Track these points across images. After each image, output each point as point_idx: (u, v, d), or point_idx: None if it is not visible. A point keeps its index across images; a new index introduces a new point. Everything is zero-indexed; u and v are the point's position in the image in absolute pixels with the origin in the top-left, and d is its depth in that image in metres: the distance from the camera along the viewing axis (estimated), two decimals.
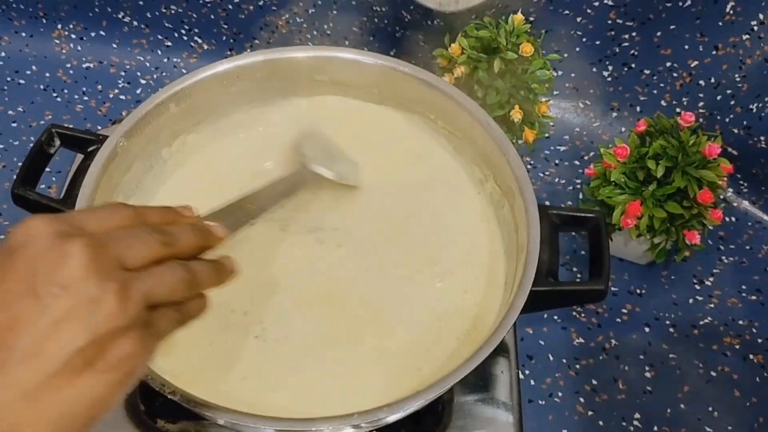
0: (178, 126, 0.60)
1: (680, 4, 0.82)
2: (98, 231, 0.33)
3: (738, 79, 0.82)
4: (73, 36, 0.98)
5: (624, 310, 0.78)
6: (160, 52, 0.98)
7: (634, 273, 0.80)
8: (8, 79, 0.96)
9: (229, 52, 0.97)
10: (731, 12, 0.80)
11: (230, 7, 0.93)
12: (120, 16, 0.96)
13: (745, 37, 0.80)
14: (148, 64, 0.98)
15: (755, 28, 0.79)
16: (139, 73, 0.97)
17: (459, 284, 0.55)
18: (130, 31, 0.97)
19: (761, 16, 0.78)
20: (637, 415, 0.70)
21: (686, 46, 0.84)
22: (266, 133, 0.64)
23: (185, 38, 0.97)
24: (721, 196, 0.80)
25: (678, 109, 0.87)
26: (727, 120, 0.84)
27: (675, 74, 0.86)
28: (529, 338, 0.75)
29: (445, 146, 0.63)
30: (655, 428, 0.69)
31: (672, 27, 0.84)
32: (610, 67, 0.89)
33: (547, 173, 0.89)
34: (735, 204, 0.87)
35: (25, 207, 0.55)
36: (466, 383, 0.56)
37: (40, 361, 0.29)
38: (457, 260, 0.56)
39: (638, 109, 0.90)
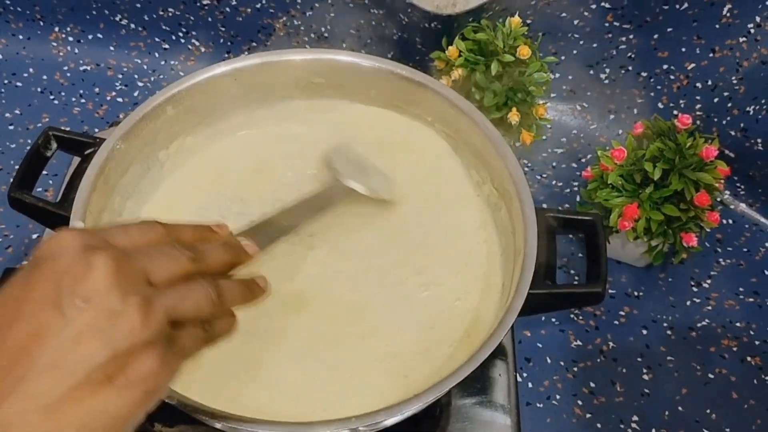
0: (176, 129, 0.60)
1: (677, 6, 0.82)
2: (127, 246, 0.33)
3: (735, 82, 0.82)
4: (71, 38, 0.98)
5: (621, 313, 0.78)
6: (157, 55, 0.98)
7: (632, 275, 0.80)
8: (5, 81, 0.95)
9: (226, 55, 0.97)
10: (728, 15, 0.80)
11: (227, 9, 0.93)
12: (117, 18, 0.96)
13: (741, 39, 0.80)
14: (145, 67, 0.98)
15: (752, 30, 0.79)
16: (136, 76, 0.97)
17: (456, 287, 0.55)
18: (127, 34, 0.97)
19: (758, 19, 0.78)
20: (635, 418, 0.70)
21: (683, 49, 0.84)
22: (264, 136, 0.64)
23: (183, 41, 0.97)
24: (718, 199, 0.80)
25: (675, 112, 0.87)
26: (724, 122, 0.84)
27: (672, 77, 0.86)
28: (527, 341, 0.75)
29: (443, 148, 0.63)
30: (653, 430, 0.69)
31: (669, 30, 0.84)
32: (608, 70, 0.89)
33: (544, 176, 0.89)
34: (732, 206, 0.87)
35: (21, 210, 0.55)
36: (463, 386, 0.56)
37: (60, 374, 0.29)
38: (456, 261, 0.56)
39: (635, 111, 0.90)
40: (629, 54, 0.87)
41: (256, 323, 0.52)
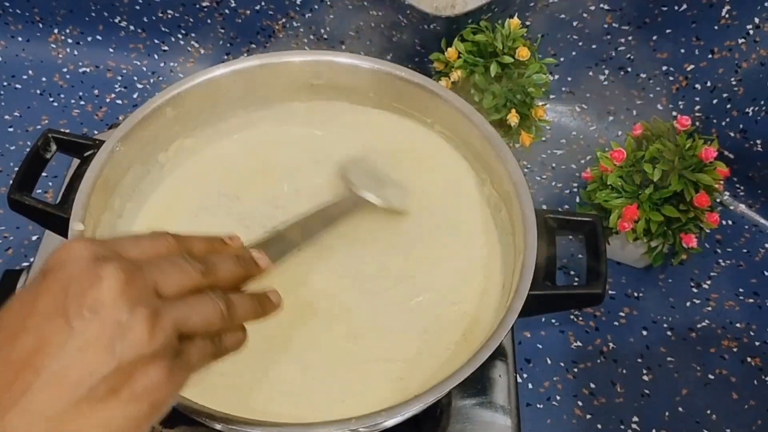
0: (175, 130, 0.60)
1: (676, 8, 0.82)
2: (137, 257, 0.33)
3: (734, 83, 0.82)
4: (70, 40, 0.98)
5: (621, 314, 0.78)
6: (156, 57, 0.98)
7: (632, 276, 0.80)
8: (5, 83, 0.95)
9: (225, 57, 0.97)
10: (727, 16, 0.80)
11: (227, 11, 0.93)
12: (117, 20, 0.96)
13: (740, 40, 0.80)
14: (144, 69, 0.98)
15: (751, 31, 0.79)
16: (135, 78, 0.97)
17: (456, 288, 0.55)
18: (126, 36, 0.97)
19: (756, 20, 0.79)
20: (635, 419, 0.70)
21: (682, 50, 0.84)
22: (264, 137, 0.64)
23: (182, 42, 0.97)
24: (718, 200, 0.80)
25: (674, 113, 0.87)
26: (723, 124, 0.84)
27: (671, 78, 0.86)
28: (527, 342, 0.75)
29: (443, 148, 0.63)
30: (654, 431, 0.69)
31: (668, 31, 0.84)
32: (607, 71, 0.90)
33: (543, 177, 0.89)
34: (731, 207, 0.87)
35: (21, 212, 0.55)
36: (464, 387, 0.56)
37: (64, 387, 0.29)
38: (459, 265, 0.56)
39: (634, 112, 0.91)
40: (628, 55, 0.87)
41: (261, 329, 0.51)
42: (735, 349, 0.75)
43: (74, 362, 0.29)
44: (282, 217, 0.58)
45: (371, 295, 0.54)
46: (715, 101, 0.84)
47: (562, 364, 0.74)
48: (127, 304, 0.30)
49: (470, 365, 0.44)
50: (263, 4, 0.91)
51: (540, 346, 0.75)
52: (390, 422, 0.45)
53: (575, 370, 0.73)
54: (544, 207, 0.84)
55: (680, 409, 0.71)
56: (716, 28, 0.81)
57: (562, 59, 0.89)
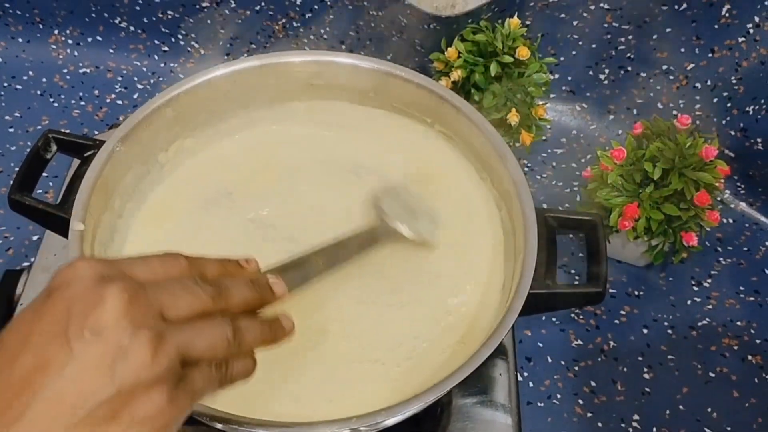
0: (175, 131, 0.60)
1: (676, 7, 0.82)
2: (145, 278, 0.32)
3: (734, 82, 0.82)
4: (70, 41, 0.98)
5: (622, 312, 0.78)
6: (156, 57, 0.98)
7: (632, 275, 0.80)
8: (5, 84, 0.96)
9: (225, 57, 0.97)
10: (727, 15, 0.80)
11: (227, 12, 0.93)
12: (117, 21, 0.96)
13: (740, 39, 0.80)
14: (144, 69, 0.98)
15: (751, 30, 0.79)
16: (135, 78, 0.97)
17: (456, 288, 0.55)
18: (126, 36, 0.97)
19: (756, 19, 0.79)
20: (635, 417, 0.70)
21: (682, 49, 0.84)
22: (264, 138, 0.64)
23: (182, 43, 0.97)
24: (718, 198, 0.80)
25: (675, 112, 0.87)
26: (723, 122, 0.84)
27: (671, 77, 0.86)
28: (528, 340, 0.75)
29: (443, 149, 0.63)
30: (654, 429, 0.69)
31: (668, 30, 0.84)
32: (607, 70, 0.90)
33: (544, 176, 0.89)
34: (732, 206, 0.87)
35: (21, 212, 0.55)
36: (464, 386, 0.56)
37: (62, 409, 0.28)
38: (455, 262, 0.56)
39: (635, 111, 0.91)
40: (628, 54, 0.87)
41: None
42: (736, 348, 0.75)
43: (73, 384, 0.28)
44: (282, 218, 0.58)
45: (371, 304, 0.54)
46: (715, 100, 0.84)
47: (562, 363, 0.74)
48: (130, 326, 0.29)
49: (470, 364, 0.44)
50: (263, 4, 0.92)
51: (540, 345, 0.75)
52: (390, 421, 0.45)
53: (576, 368, 0.73)
54: (545, 206, 0.84)
55: (681, 407, 0.71)
56: (716, 27, 0.81)
57: (562, 58, 0.89)
